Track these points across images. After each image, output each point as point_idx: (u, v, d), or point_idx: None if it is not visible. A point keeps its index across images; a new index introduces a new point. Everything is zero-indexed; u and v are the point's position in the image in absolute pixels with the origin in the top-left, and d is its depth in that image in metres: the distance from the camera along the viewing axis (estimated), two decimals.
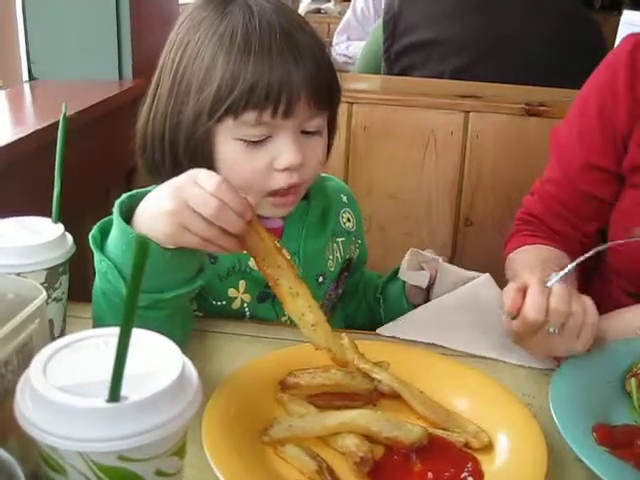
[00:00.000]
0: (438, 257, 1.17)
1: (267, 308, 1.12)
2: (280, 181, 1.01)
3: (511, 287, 0.99)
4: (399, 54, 2.20)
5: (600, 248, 1.08)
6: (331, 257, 1.18)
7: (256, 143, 0.99)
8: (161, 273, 0.83)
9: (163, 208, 0.79)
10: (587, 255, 1.05)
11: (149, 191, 0.85)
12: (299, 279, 0.84)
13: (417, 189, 1.85)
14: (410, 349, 0.99)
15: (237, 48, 0.96)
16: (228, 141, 1.00)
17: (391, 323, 1.11)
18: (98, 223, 0.88)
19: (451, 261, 1.71)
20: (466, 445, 0.80)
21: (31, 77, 1.81)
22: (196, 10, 1.03)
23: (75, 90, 1.74)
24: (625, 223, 1.26)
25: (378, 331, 1.08)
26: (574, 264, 1.04)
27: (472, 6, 2.10)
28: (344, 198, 1.26)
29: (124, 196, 0.86)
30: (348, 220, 1.24)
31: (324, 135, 1.07)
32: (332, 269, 1.18)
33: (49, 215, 0.90)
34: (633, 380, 0.91)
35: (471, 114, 1.79)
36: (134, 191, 0.87)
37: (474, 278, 1.15)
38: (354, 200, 1.29)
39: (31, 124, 1.42)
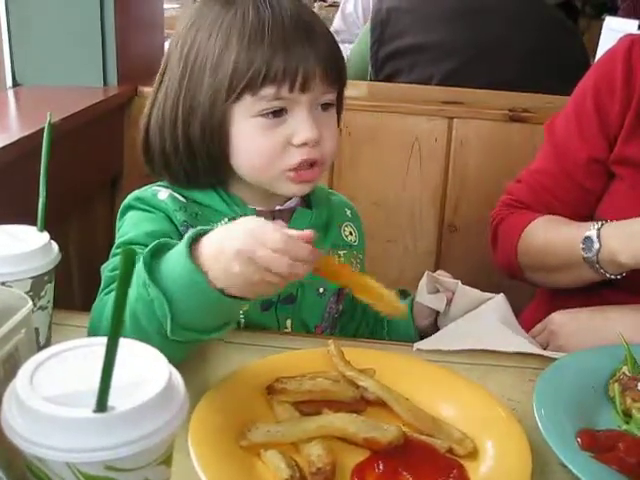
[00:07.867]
0: (456, 280, 1.16)
1: (270, 317, 1.10)
2: (298, 156, 1.02)
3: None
4: (386, 59, 2.21)
5: None
6: None
7: (274, 118, 1.00)
8: (214, 315, 0.83)
9: (231, 270, 0.77)
10: None
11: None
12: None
13: (401, 195, 1.86)
14: (396, 356, 0.99)
15: (250, 26, 0.98)
16: (246, 120, 1.01)
17: (426, 340, 1.09)
18: (150, 247, 0.83)
19: (435, 267, 1.72)
20: (451, 452, 0.80)
21: (15, 83, 1.80)
22: (202, 3, 1.05)
23: (59, 96, 1.73)
24: (610, 215, 1.28)
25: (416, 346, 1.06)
26: None
27: (459, 13, 2.11)
28: (348, 212, 1.25)
29: (193, 232, 0.82)
30: (350, 234, 1.22)
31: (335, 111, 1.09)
32: None
33: (33, 223, 0.89)
34: (616, 385, 0.91)
35: (455, 120, 1.79)
36: (200, 229, 0.82)
37: (489, 299, 1.15)
38: (358, 217, 1.27)
39: (15, 131, 1.42)
